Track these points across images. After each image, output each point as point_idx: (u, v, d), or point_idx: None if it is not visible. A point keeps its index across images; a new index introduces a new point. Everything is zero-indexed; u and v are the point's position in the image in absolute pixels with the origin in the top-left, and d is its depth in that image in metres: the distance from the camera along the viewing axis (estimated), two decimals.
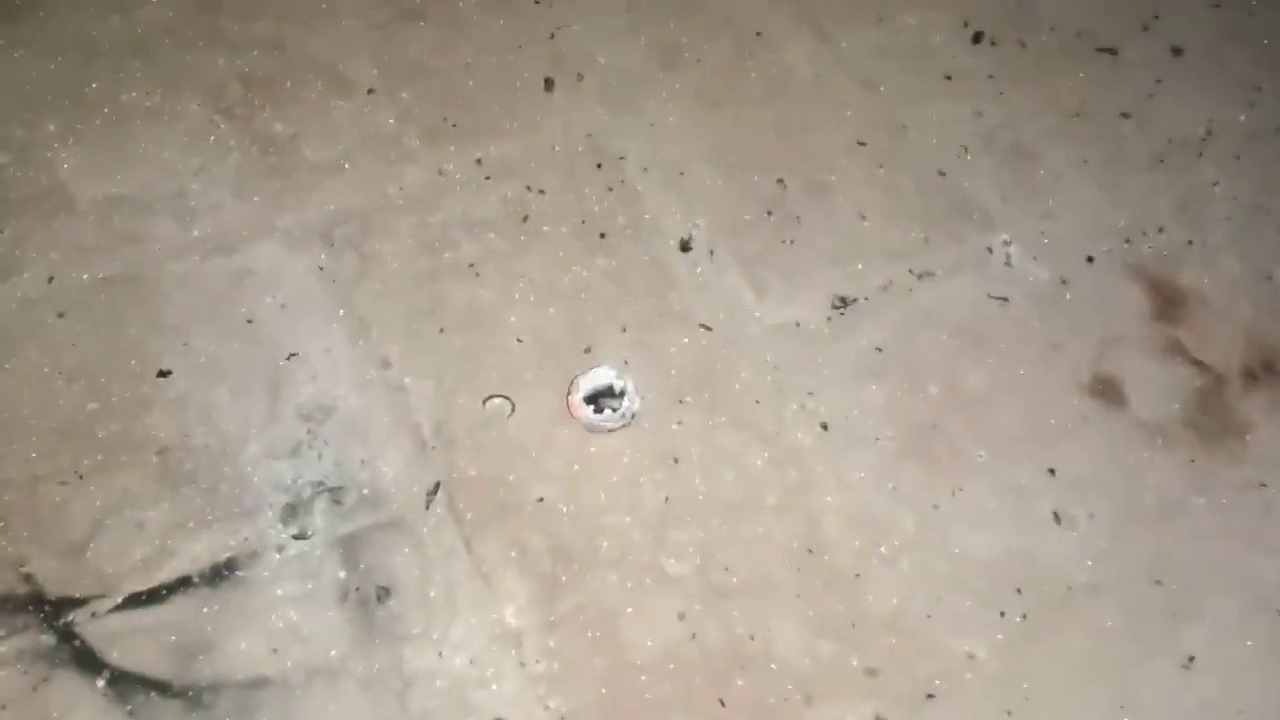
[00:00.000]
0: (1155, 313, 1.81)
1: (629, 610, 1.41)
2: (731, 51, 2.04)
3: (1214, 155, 2.02)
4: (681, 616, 1.41)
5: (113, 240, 1.69)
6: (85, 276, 1.65)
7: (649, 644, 1.38)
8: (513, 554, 1.44)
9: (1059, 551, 1.54)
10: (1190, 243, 1.89)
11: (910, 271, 1.79)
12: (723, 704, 1.35)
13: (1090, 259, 1.84)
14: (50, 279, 1.64)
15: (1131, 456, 1.64)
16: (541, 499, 1.49)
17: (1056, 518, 1.57)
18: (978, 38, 2.13)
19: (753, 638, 1.40)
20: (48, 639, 1.34)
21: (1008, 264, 1.82)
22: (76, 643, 1.34)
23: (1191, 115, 2.08)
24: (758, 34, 2.07)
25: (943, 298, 1.77)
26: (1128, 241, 1.87)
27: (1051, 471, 1.61)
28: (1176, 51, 2.17)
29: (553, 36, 2.02)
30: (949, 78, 2.07)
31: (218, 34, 1.95)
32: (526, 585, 1.42)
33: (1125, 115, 2.06)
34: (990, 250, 1.84)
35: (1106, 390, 1.71)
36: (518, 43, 2.00)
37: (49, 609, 1.36)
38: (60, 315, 1.60)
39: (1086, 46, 2.16)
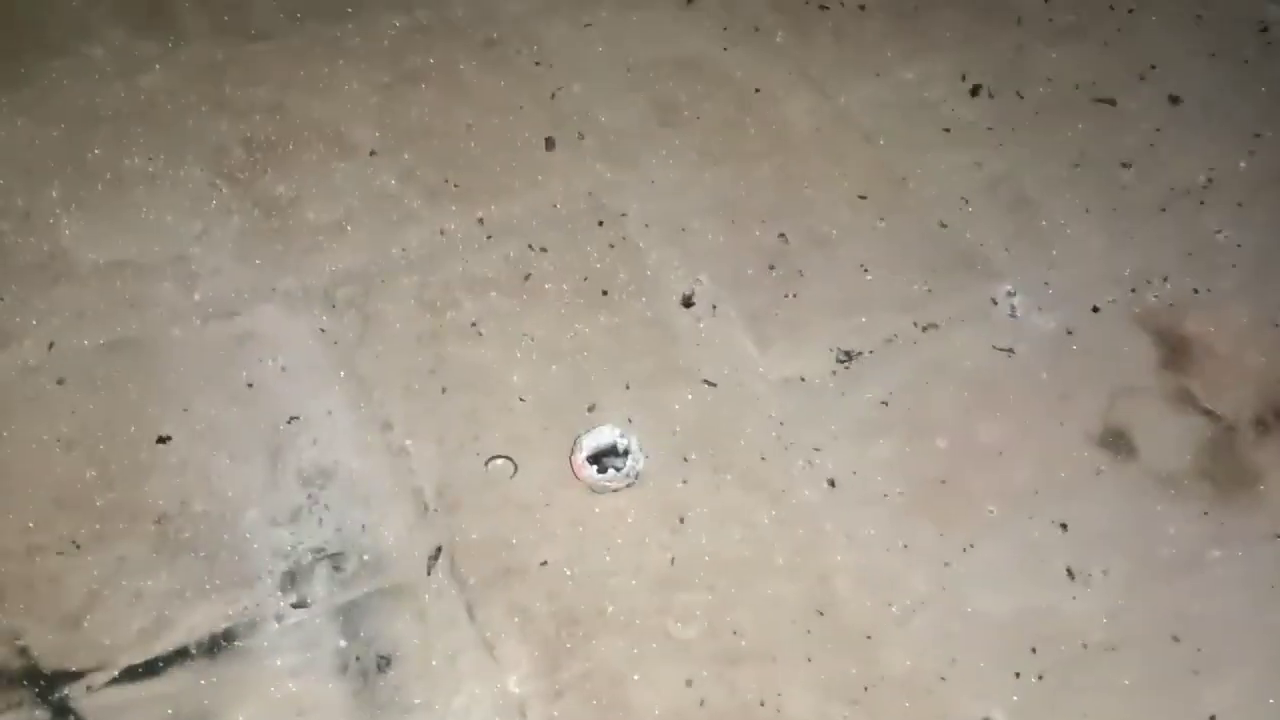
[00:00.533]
0: (1163, 362, 1.79)
1: (635, 677, 1.38)
2: (730, 108, 2.05)
3: (1216, 203, 2.02)
4: (689, 683, 1.38)
5: (114, 306, 1.69)
6: (86, 342, 1.64)
7: (656, 712, 1.35)
8: (516, 620, 1.41)
9: (1074, 608, 1.51)
10: (1196, 291, 1.88)
11: (914, 324, 1.78)
12: None
13: (1096, 309, 1.83)
14: (51, 345, 1.63)
15: (1145, 509, 1.62)
16: (545, 562, 1.47)
17: (1070, 574, 1.54)
18: (975, 90, 2.15)
19: (763, 703, 1.37)
20: (43, 714, 1.31)
21: (1012, 315, 1.81)
22: (72, 718, 1.31)
23: (1192, 164, 2.08)
24: (756, 90, 2.09)
25: (948, 350, 1.76)
26: (1133, 290, 1.87)
27: (1064, 526, 1.58)
28: (1175, 100, 2.18)
29: (553, 97, 2.04)
30: (948, 130, 2.07)
31: (220, 99, 1.97)
32: (530, 652, 1.39)
33: (1126, 165, 2.06)
34: (994, 301, 1.83)
35: (1117, 442, 1.69)
36: (518, 103, 2.01)
37: (44, 683, 1.33)
38: (59, 382, 1.59)
39: (1084, 97, 2.17)
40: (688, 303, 1.77)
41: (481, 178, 1.90)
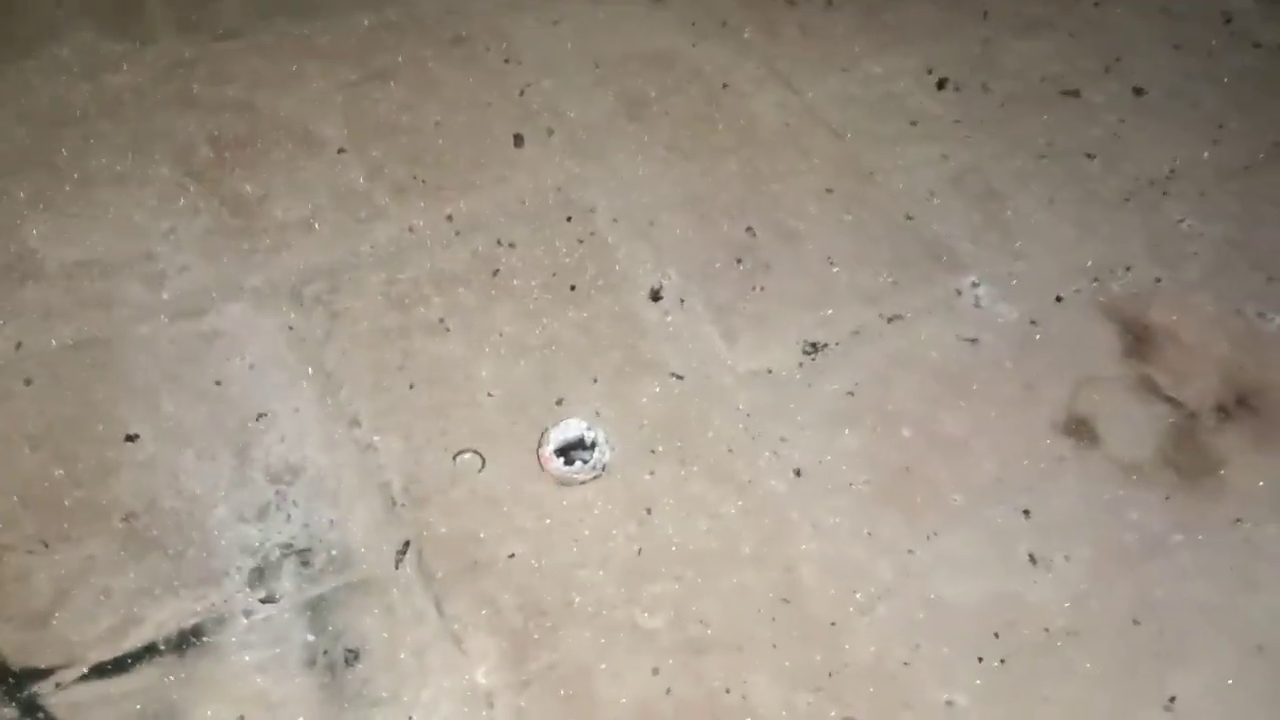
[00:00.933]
0: (1127, 351, 1.81)
1: (602, 666, 1.39)
2: (699, 103, 2.07)
3: (1180, 193, 2.04)
4: (656, 671, 1.39)
5: (81, 305, 1.69)
6: (53, 342, 1.64)
7: (623, 701, 1.36)
8: (484, 612, 1.42)
9: (1037, 594, 1.52)
10: (1159, 280, 1.90)
11: (880, 315, 1.80)
12: None
13: (1059, 298, 1.85)
14: (18, 345, 1.63)
15: (1108, 495, 1.63)
16: (513, 555, 1.48)
17: (1033, 560, 1.56)
18: (942, 84, 2.17)
19: (729, 691, 1.38)
20: (10, 712, 1.31)
21: (977, 305, 1.83)
22: (40, 715, 1.31)
23: (1156, 154, 2.11)
24: (724, 85, 2.10)
25: (913, 341, 1.77)
26: (1096, 280, 1.89)
27: (1027, 513, 1.60)
28: (1139, 92, 2.21)
29: (521, 93, 2.04)
30: (915, 123, 2.09)
31: (188, 98, 1.97)
32: (498, 644, 1.39)
33: (1090, 156, 2.08)
34: (959, 292, 1.85)
35: (1080, 430, 1.71)
36: (487, 100, 2.02)
37: (12, 680, 1.33)
38: (27, 382, 1.59)
39: (1050, 90, 2.19)
40: (656, 296, 1.78)
41: (450, 174, 1.91)
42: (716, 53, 2.17)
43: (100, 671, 1.35)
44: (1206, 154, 2.11)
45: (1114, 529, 1.60)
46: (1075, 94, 2.19)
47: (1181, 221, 1.99)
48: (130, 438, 1.54)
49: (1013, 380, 1.74)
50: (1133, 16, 2.35)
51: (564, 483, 1.55)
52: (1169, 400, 1.76)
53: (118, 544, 1.45)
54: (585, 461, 1.55)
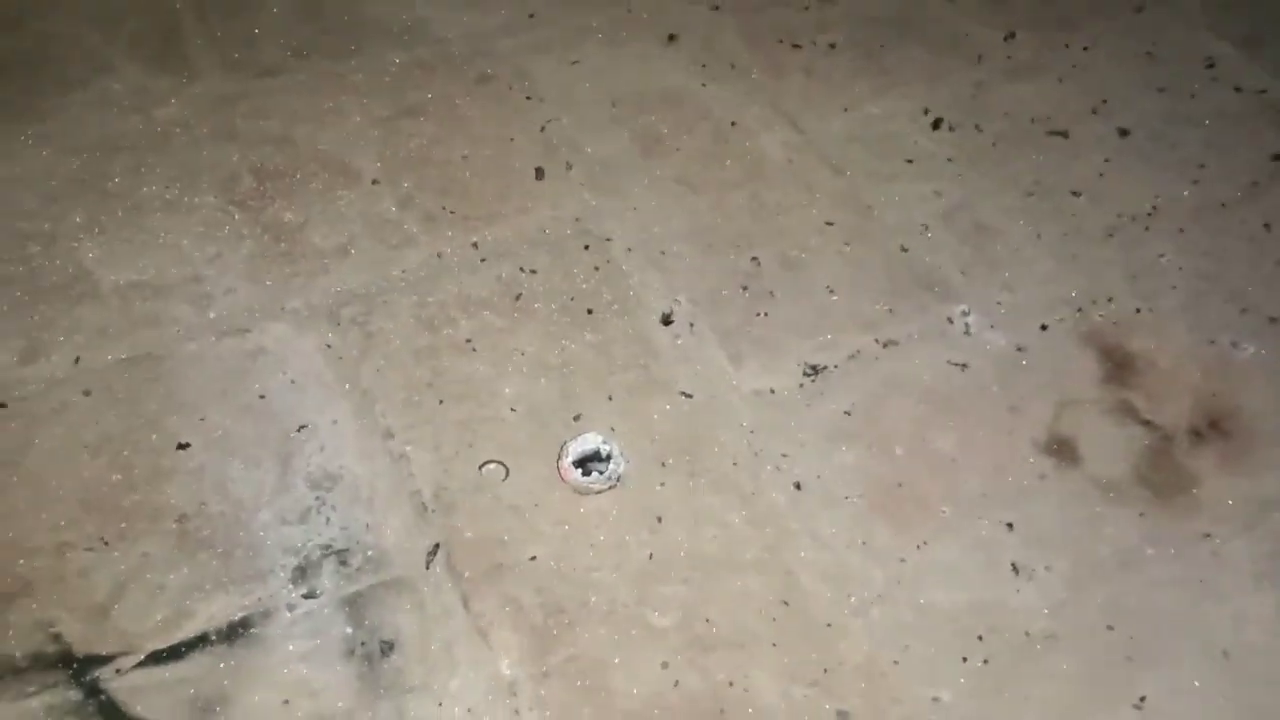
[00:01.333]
0: (1107, 376, 1.93)
1: (616, 660, 1.51)
2: (709, 140, 2.20)
3: (1160, 229, 2.16)
4: (665, 665, 1.51)
5: (133, 323, 1.81)
6: (109, 357, 1.77)
7: (635, 691, 1.48)
8: (507, 609, 1.54)
9: (1018, 601, 1.64)
10: (1139, 310, 2.02)
11: (876, 341, 1.92)
12: None
13: (1044, 327, 1.97)
14: (76, 360, 1.76)
15: (1086, 511, 1.75)
16: (534, 557, 1.60)
17: (1016, 569, 1.67)
18: (937, 124, 2.30)
19: (732, 684, 1.50)
20: (75, 694, 1.43)
21: (967, 333, 1.95)
22: (102, 697, 1.43)
23: (1139, 192, 2.23)
24: (733, 124, 2.24)
25: (907, 365, 1.90)
26: (1080, 310, 2.01)
27: (1010, 526, 1.71)
28: (1124, 133, 2.34)
29: (543, 129, 2.18)
30: (911, 161, 2.22)
31: (231, 131, 2.11)
32: (520, 639, 1.51)
33: (1076, 193, 2.21)
34: (950, 320, 1.97)
35: (1062, 449, 1.83)
36: (510, 135, 2.16)
37: (76, 666, 1.45)
38: (85, 394, 1.72)
39: (1039, 130, 2.32)
40: (667, 321, 1.91)
41: (476, 205, 2.04)
42: (725, 93, 2.30)
43: (156, 659, 1.47)
44: (1186, 192, 2.23)
45: (1091, 542, 1.71)
46: (1063, 134, 2.32)
47: (1161, 256, 2.11)
48: (182, 446, 1.67)
49: (999, 403, 1.86)
50: (1119, 61, 2.48)
51: (581, 492, 1.67)
52: (1145, 423, 1.88)
53: (171, 543, 1.57)
54: (601, 473, 1.67)
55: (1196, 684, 1.58)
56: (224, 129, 2.11)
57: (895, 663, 1.55)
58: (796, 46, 2.41)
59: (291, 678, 1.46)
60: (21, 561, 1.53)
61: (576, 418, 1.76)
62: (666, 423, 1.77)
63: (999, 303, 2.00)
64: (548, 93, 2.25)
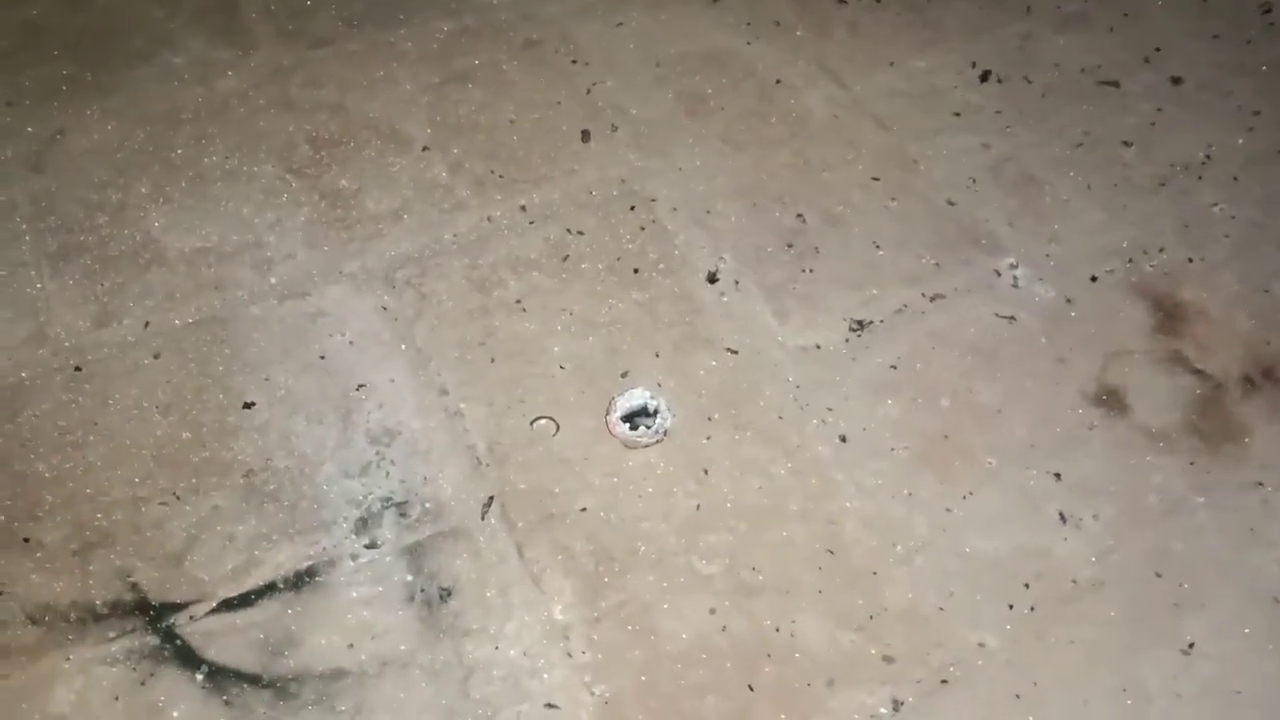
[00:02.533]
0: (1157, 326, 1.92)
1: (665, 606, 1.55)
2: (753, 99, 2.21)
3: (1213, 178, 2.14)
4: (713, 611, 1.55)
5: (200, 288, 1.89)
6: (177, 321, 1.84)
7: (683, 636, 1.53)
8: (559, 557, 1.59)
9: (1065, 549, 1.65)
10: (1190, 260, 2.01)
11: (923, 295, 1.93)
12: (751, 689, 1.48)
13: (1094, 278, 1.97)
14: (146, 324, 1.84)
15: (1134, 460, 1.75)
16: (584, 508, 1.64)
17: (1063, 518, 1.69)
18: (985, 77, 2.29)
19: (778, 630, 1.54)
20: (152, 639, 1.51)
21: (1015, 285, 1.96)
22: (177, 642, 1.51)
23: (1191, 141, 2.20)
24: (777, 81, 2.25)
25: (953, 318, 1.91)
26: (1130, 261, 2.00)
27: (1058, 476, 1.72)
28: (1176, 81, 2.31)
29: (588, 92, 2.21)
30: (958, 114, 2.22)
31: (287, 101, 2.17)
32: (572, 585, 1.57)
33: (1127, 143, 2.19)
34: (998, 273, 1.97)
35: (1110, 400, 1.83)
36: (556, 99, 2.19)
37: (153, 613, 1.53)
38: (156, 356, 1.79)
39: (1089, 80, 2.30)
40: (712, 279, 1.94)
41: (523, 168, 2.08)
42: (769, 51, 2.31)
43: (228, 605, 1.54)
44: (1241, 140, 2.20)
45: (1139, 491, 1.72)
46: (1114, 84, 2.30)
47: (1214, 205, 2.09)
48: (248, 405, 1.74)
49: (1046, 354, 1.87)
50: (1171, 9, 2.44)
51: (629, 446, 1.71)
52: (1196, 372, 1.87)
53: (239, 496, 1.64)
54: (648, 427, 1.71)
55: (1245, 630, 1.58)
56: (280, 99, 2.17)
57: (940, 609, 1.58)
58: (841, 2, 2.41)
59: (355, 622, 1.52)
60: (100, 515, 1.61)
61: (624, 374, 1.80)
62: (712, 378, 1.81)
63: (1047, 255, 2.00)
64: (592, 56, 2.28)
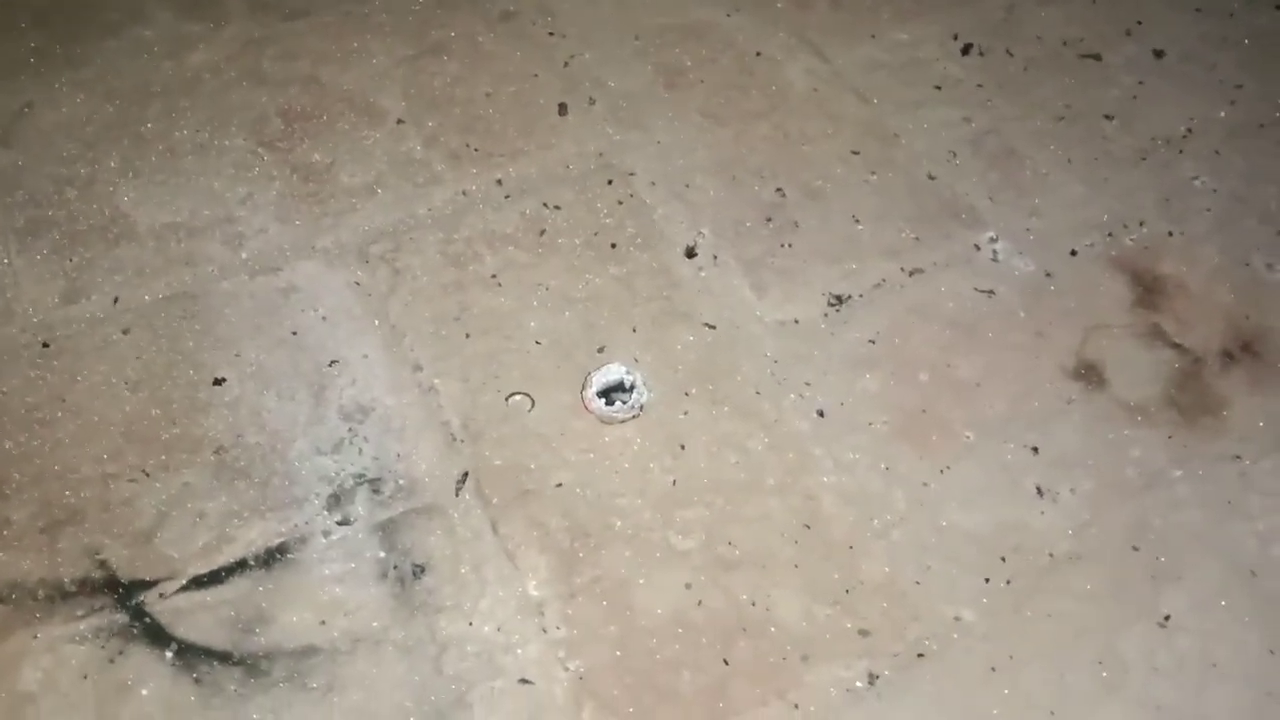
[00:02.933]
0: (1136, 300, 1.91)
1: (640, 581, 1.54)
2: (732, 71, 2.19)
3: (1194, 151, 2.13)
4: (688, 586, 1.54)
5: (170, 263, 1.86)
6: (146, 297, 1.82)
7: (659, 611, 1.51)
8: (534, 533, 1.58)
9: (1043, 523, 1.64)
10: (1170, 234, 2.00)
11: (902, 269, 1.92)
12: (726, 663, 1.48)
13: (1074, 252, 1.96)
14: (115, 300, 1.81)
15: (1112, 434, 1.74)
16: (560, 484, 1.63)
17: (1040, 491, 1.68)
18: (966, 49, 2.27)
19: (754, 604, 1.53)
20: (121, 617, 1.49)
21: (994, 259, 1.94)
22: (147, 619, 1.49)
23: (1173, 114, 2.19)
24: (757, 54, 2.22)
25: (933, 292, 1.89)
26: (1110, 235, 1.99)
27: (1036, 450, 1.72)
28: (1159, 54, 2.29)
29: (566, 65, 2.18)
30: (939, 87, 2.20)
31: (259, 74, 2.14)
32: (547, 560, 1.55)
33: (1109, 117, 2.17)
34: (978, 247, 1.96)
35: (1089, 374, 1.82)
36: (533, 72, 2.16)
37: (122, 591, 1.52)
38: (125, 332, 1.77)
39: (1071, 53, 2.28)
40: (690, 253, 1.92)
41: (499, 142, 2.05)
42: (749, 23, 2.28)
43: (198, 583, 1.53)
44: (1223, 113, 2.19)
45: (1117, 464, 1.71)
46: (1096, 57, 2.28)
47: (1195, 179, 2.08)
48: (218, 381, 1.72)
49: (1025, 328, 1.86)
50: None
51: (605, 421, 1.70)
52: (1175, 346, 1.86)
53: (210, 473, 1.62)
54: (625, 402, 1.70)
55: (1223, 603, 1.58)
56: (252, 72, 2.14)
57: (917, 583, 1.57)
58: None
59: (327, 599, 1.51)
60: (69, 492, 1.59)
61: (600, 349, 1.78)
62: (690, 353, 1.79)
63: (1027, 229, 1.99)
64: (570, 28, 2.25)
